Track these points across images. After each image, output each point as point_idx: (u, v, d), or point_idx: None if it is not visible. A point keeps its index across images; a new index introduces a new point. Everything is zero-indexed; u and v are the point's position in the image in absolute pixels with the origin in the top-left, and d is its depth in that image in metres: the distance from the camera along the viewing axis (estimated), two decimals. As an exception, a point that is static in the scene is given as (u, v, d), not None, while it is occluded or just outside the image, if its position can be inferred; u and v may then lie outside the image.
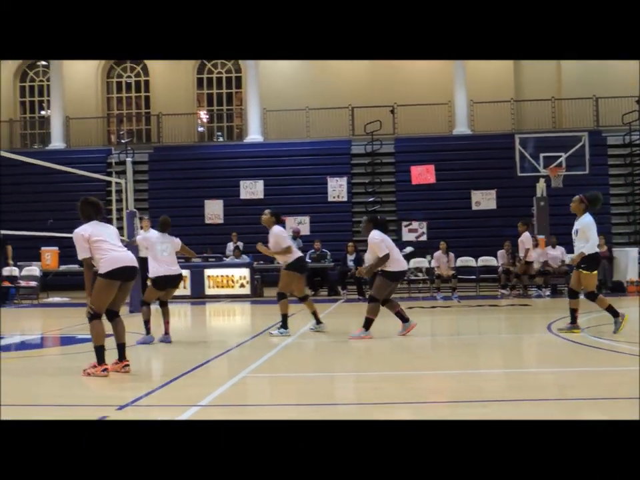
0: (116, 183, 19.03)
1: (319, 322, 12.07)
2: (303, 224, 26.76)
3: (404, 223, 27.09)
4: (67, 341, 12.03)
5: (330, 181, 27.78)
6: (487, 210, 26.58)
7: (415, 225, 27.00)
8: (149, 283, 11.60)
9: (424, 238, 26.64)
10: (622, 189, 27.64)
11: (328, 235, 24.95)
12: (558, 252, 20.55)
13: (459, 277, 20.30)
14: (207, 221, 27.90)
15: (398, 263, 11.19)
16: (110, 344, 8.15)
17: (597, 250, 11.15)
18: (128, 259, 8.02)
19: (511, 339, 11.01)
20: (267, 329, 12.28)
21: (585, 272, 10.95)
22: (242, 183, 28.00)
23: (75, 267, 20.72)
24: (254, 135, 29.59)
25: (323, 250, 22.50)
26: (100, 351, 7.87)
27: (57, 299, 22.21)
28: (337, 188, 27.80)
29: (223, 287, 21.30)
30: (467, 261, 21.69)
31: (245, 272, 21.42)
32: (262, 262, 22.55)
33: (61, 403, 6.59)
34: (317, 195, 27.60)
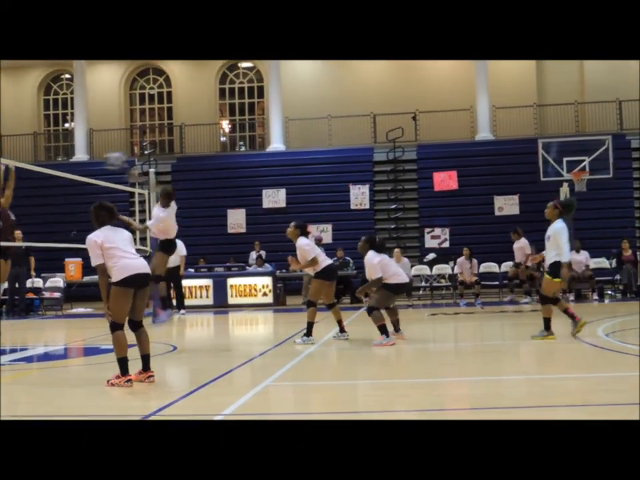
0: (139, 193, 19.11)
1: (342, 331, 12.06)
2: (326, 232, 26.76)
3: (426, 230, 27.02)
4: (90, 351, 12.08)
5: (352, 188, 27.77)
6: (509, 215, 26.43)
7: (437, 231, 26.92)
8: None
9: (446, 244, 26.55)
10: (647, 192, 27.42)
11: (350, 243, 24.71)
12: (582, 257, 20.41)
13: (482, 283, 20.21)
14: (230, 230, 27.96)
15: (397, 276, 11.65)
16: (134, 354, 8.17)
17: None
18: (140, 265, 7.98)
19: (535, 345, 10.93)
20: (289, 338, 12.28)
21: (547, 276, 10.96)
22: (264, 192, 28.05)
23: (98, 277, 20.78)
24: (276, 144, 29.65)
25: (346, 258, 22.49)
26: (123, 362, 7.87)
27: (80, 310, 22.35)
28: (359, 195, 27.79)
29: (245, 295, 21.34)
30: (490, 266, 21.60)
31: (268, 281, 21.44)
32: (284, 270, 22.56)
33: (84, 413, 6.61)
34: (339, 203, 27.60)
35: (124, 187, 22.21)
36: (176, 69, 32.58)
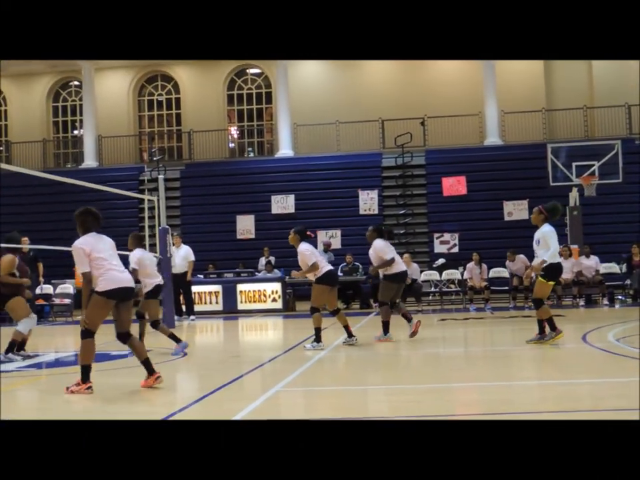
0: (148, 200, 19.16)
1: (350, 335, 12.04)
2: (334, 237, 26.76)
3: (436, 235, 26.99)
4: (101, 357, 12.05)
5: (361, 194, 27.76)
6: (519, 220, 26.33)
7: (446, 236, 26.88)
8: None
9: (456, 249, 26.51)
10: (656, 197, 27.31)
11: (359, 248, 24.81)
12: (592, 262, 20.35)
13: (492, 288, 20.16)
14: (239, 236, 27.98)
15: (397, 265, 12.61)
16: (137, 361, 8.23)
17: (559, 260, 11.33)
18: (126, 279, 8.03)
19: (545, 351, 10.90)
20: (299, 343, 12.27)
21: (541, 279, 10.98)
22: (273, 197, 28.07)
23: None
24: (284, 150, 29.69)
25: (355, 263, 22.48)
26: (86, 370, 7.92)
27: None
28: (368, 201, 27.78)
29: (255, 301, 21.33)
30: (499, 272, 21.54)
31: (277, 286, 21.44)
32: (293, 277, 22.57)
33: (94, 418, 6.61)
34: (348, 209, 27.59)
35: (133, 193, 22.27)
36: (184, 75, 32.65)
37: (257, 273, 22.78)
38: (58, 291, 22.66)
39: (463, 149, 28.20)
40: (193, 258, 19.22)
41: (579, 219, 20.88)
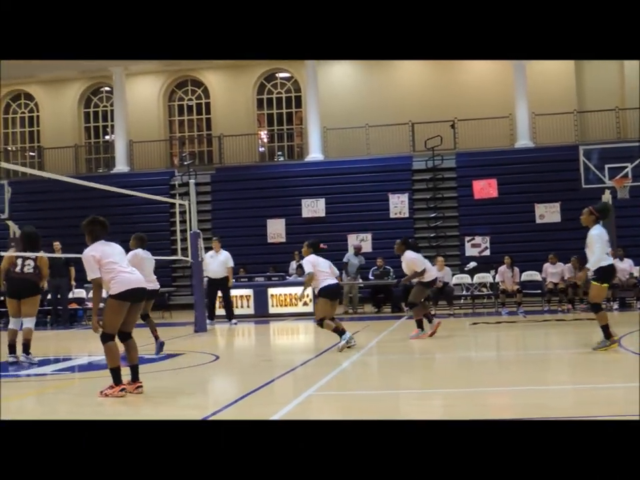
0: (179, 204, 19.23)
1: (342, 333, 12.21)
2: (365, 241, 26.70)
3: (467, 238, 26.84)
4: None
5: (391, 197, 27.69)
6: (551, 223, 26.17)
7: (477, 239, 26.72)
8: None
9: (487, 253, 26.34)
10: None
11: (390, 252, 24.65)
12: (626, 264, 20.15)
13: (524, 291, 20.02)
14: (270, 240, 28.00)
15: (430, 273, 13.99)
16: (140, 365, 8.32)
17: (610, 261, 10.92)
18: (138, 280, 8.12)
19: (579, 355, 10.80)
20: (331, 347, 12.25)
21: (594, 282, 10.79)
22: (303, 201, 28.07)
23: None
24: (314, 154, 29.70)
25: (386, 267, 22.42)
26: (116, 372, 8.01)
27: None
28: (399, 204, 27.70)
29: (286, 305, 21.33)
30: (532, 275, 21.38)
31: (308, 290, 21.36)
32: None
33: (125, 419, 6.62)
34: (378, 212, 27.52)
35: (164, 197, 22.37)
36: (214, 79, 32.77)
37: (287, 277, 22.78)
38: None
39: (493, 151, 28.03)
40: (232, 264, 19.24)
41: (612, 222, 20.65)
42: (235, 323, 18.88)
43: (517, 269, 20.18)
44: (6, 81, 33.38)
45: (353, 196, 27.75)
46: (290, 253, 25.02)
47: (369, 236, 27.08)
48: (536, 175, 26.70)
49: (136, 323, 8.42)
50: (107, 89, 33.57)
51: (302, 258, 24.26)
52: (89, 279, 8.05)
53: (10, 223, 25.96)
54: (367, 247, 26.14)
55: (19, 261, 11.52)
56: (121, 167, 30.99)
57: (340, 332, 11.95)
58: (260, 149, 32.81)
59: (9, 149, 34.41)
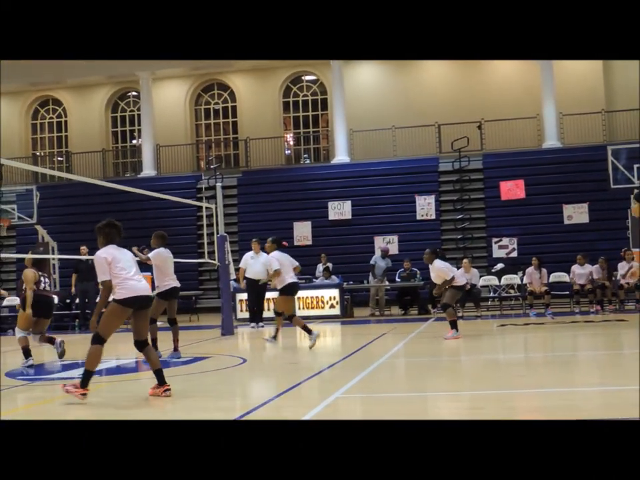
0: (206, 207, 19.30)
1: (310, 332, 13.04)
2: (392, 243, 26.68)
3: (494, 239, 26.73)
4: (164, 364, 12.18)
5: (418, 199, 27.63)
6: (579, 224, 25.99)
7: (505, 241, 26.60)
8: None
9: (514, 254, 26.21)
10: None
11: (417, 254, 24.66)
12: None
13: (552, 293, 19.88)
14: (296, 243, 28.00)
15: (459, 279, 14.52)
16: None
17: None
18: (143, 288, 8.13)
19: (609, 356, 10.71)
20: (358, 350, 12.23)
21: None
22: (330, 204, 28.08)
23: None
24: (341, 156, 29.70)
25: (413, 269, 22.36)
26: (89, 376, 8.00)
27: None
28: (425, 206, 27.63)
29: (313, 307, 21.33)
30: (560, 276, 21.22)
31: (335, 292, 21.42)
32: (351, 282, 22.58)
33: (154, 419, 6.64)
34: (405, 214, 27.47)
35: (191, 201, 22.46)
36: (240, 83, 32.86)
37: (314, 280, 22.79)
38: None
39: (521, 152, 27.89)
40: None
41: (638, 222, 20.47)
42: (262, 326, 18.91)
43: (544, 270, 20.02)
44: (34, 87, 33.73)
45: (379, 198, 27.72)
46: (317, 256, 25.02)
47: (395, 238, 27.05)
48: (564, 175, 26.54)
49: (147, 328, 8.45)
50: (134, 93, 33.78)
51: (328, 260, 24.46)
52: (99, 280, 8.09)
53: (38, 227, 26.20)
54: (394, 249, 26.12)
55: (41, 278, 11.89)
56: (148, 171, 31.16)
57: (309, 330, 13.01)
58: (286, 152, 32.86)
59: (38, 154, 34.70)
